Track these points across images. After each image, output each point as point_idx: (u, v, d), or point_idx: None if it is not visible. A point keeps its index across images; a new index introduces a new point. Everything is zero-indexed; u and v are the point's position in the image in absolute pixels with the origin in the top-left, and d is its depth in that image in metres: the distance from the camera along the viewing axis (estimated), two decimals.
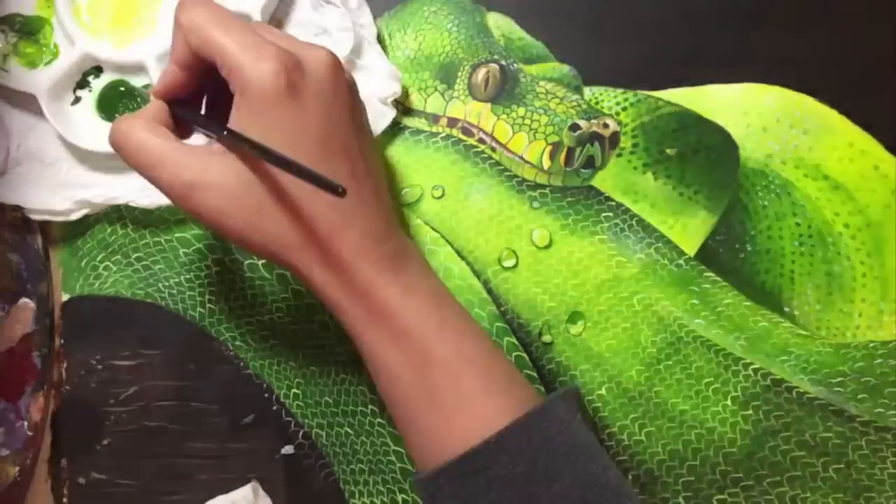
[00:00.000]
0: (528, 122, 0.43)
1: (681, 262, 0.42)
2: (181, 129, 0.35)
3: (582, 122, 0.42)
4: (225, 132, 0.31)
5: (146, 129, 0.32)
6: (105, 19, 0.42)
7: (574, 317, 0.42)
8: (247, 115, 0.31)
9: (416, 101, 0.43)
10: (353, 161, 0.33)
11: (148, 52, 0.41)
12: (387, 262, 0.33)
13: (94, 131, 0.41)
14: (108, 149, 0.34)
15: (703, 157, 0.42)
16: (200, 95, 0.36)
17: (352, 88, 0.34)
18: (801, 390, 0.40)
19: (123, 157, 0.33)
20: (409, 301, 0.33)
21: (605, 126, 0.42)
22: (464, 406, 0.33)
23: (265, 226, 0.32)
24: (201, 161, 0.31)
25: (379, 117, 0.41)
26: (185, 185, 0.31)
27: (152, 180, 0.32)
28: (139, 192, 0.41)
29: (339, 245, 0.32)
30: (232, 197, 0.31)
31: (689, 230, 0.42)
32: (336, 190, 0.28)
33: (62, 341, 0.43)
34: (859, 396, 0.40)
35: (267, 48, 0.31)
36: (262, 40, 0.31)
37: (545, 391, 0.41)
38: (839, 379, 0.41)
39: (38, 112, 0.41)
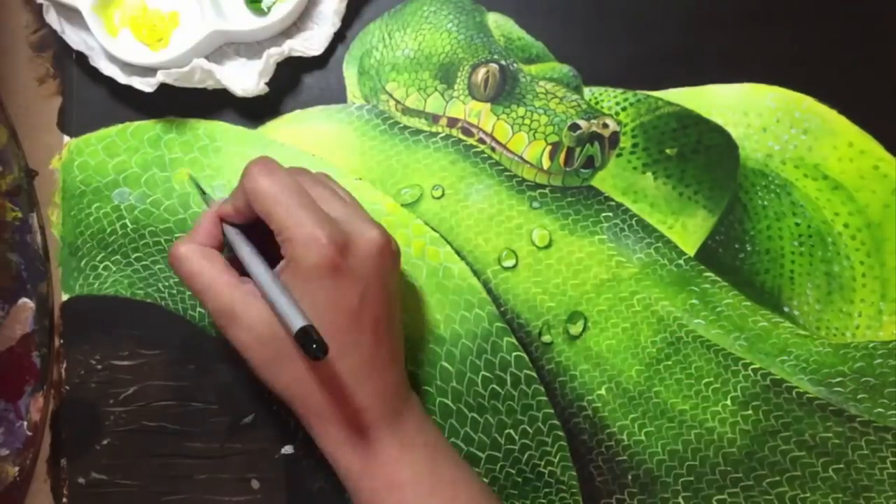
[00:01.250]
0: (527, 121, 0.43)
1: (680, 262, 0.42)
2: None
3: (582, 122, 0.42)
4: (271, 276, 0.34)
5: (200, 255, 0.36)
6: None
7: (574, 317, 0.42)
8: (291, 279, 0.34)
9: (416, 101, 0.43)
10: (377, 330, 0.35)
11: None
12: (388, 419, 0.35)
13: None
14: None
15: (702, 157, 0.42)
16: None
17: (395, 268, 0.37)
18: (801, 390, 0.40)
19: (179, 277, 0.36)
20: (406, 456, 0.35)
21: (605, 126, 0.42)
22: None
23: (280, 373, 0.35)
24: (243, 298, 0.35)
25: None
26: (225, 317, 0.35)
27: (202, 303, 0.36)
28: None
29: (346, 402, 0.35)
30: (258, 340, 0.34)
31: (689, 230, 0.42)
32: (315, 355, 0.31)
33: (62, 341, 0.43)
34: (859, 396, 0.40)
35: (318, 227, 0.34)
36: (317, 219, 0.34)
37: (545, 391, 0.41)
38: (839, 379, 0.41)
39: None
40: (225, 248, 0.37)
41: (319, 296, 0.34)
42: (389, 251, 0.36)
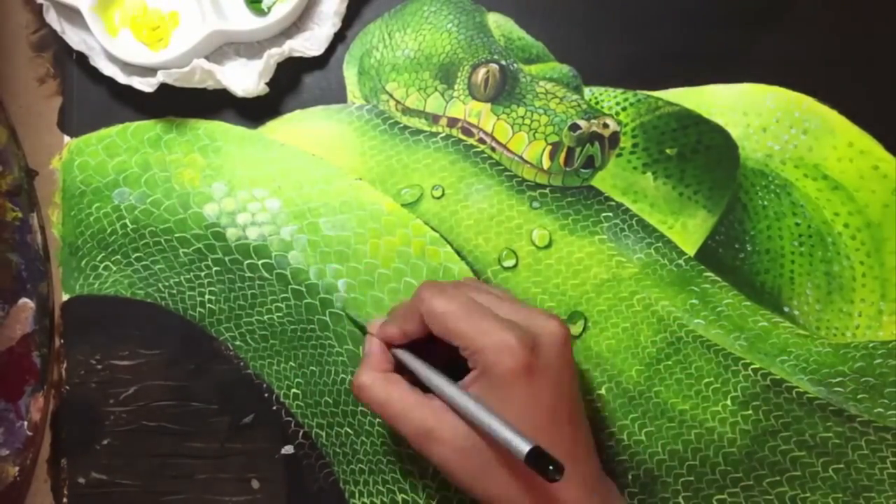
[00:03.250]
0: (527, 121, 0.43)
1: (680, 261, 0.42)
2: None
3: (582, 122, 0.42)
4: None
5: (385, 381, 0.36)
6: None
7: (574, 317, 0.42)
8: (484, 390, 0.34)
9: (416, 101, 0.43)
10: (574, 424, 0.35)
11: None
12: None
13: None
14: None
15: (702, 157, 0.42)
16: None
17: (573, 356, 0.37)
18: (801, 390, 0.40)
19: (367, 406, 0.37)
20: None
21: (605, 126, 0.42)
22: None
23: (488, 484, 0.35)
24: (435, 415, 0.35)
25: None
26: (423, 436, 0.35)
27: (396, 427, 0.36)
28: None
29: (556, 502, 0.35)
30: (461, 453, 0.34)
31: (689, 230, 0.42)
32: (552, 477, 0.31)
33: (62, 341, 0.43)
34: (859, 396, 0.40)
35: (506, 332, 0.34)
36: (502, 325, 0.34)
37: None
38: (839, 379, 0.41)
39: None
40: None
41: (517, 399, 0.34)
42: (570, 339, 0.36)
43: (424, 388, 0.36)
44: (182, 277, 0.43)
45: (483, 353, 0.34)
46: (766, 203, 0.42)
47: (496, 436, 0.33)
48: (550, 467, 0.31)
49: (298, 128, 0.44)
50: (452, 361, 0.36)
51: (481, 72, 0.43)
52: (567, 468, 0.33)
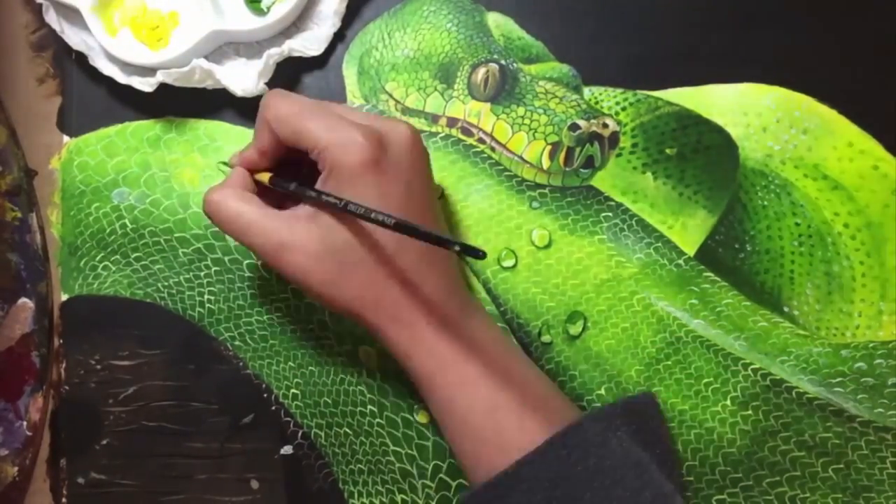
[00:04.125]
0: (527, 121, 0.42)
1: (680, 262, 0.42)
2: (267, 197, 0.37)
3: (581, 122, 0.42)
4: (373, 213, 0.33)
5: (236, 197, 0.36)
6: None
7: (573, 317, 0.42)
8: (334, 188, 0.34)
9: (415, 100, 0.43)
10: (427, 221, 0.36)
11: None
12: (455, 315, 0.36)
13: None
14: None
15: (702, 157, 0.42)
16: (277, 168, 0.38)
17: (427, 160, 0.37)
18: (801, 390, 0.40)
19: (217, 225, 0.36)
20: (477, 351, 0.36)
21: (605, 126, 0.42)
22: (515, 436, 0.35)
23: (343, 285, 0.35)
24: (288, 225, 0.35)
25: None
26: (275, 247, 0.35)
27: (245, 244, 0.36)
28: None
29: (411, 303, 0.35)
30: (315, 258, 0.34)
31: (689, 230, 0.42)
32: (478, 254, 0.30)
33: (61, 341, 0.43)
34: (859, 396, 0.40)
35: (351, 128, 0.34)
36: (346, 122, 0.34)
37: None
38: (839, 379, 0.40)
39: None
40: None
41: (367, 194, 0.34)
42: (420, 142, 0.36)
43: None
44: (182, 277, 0.43)
45: (329, 149, 0.34)
46: (766, 203, 0.42)
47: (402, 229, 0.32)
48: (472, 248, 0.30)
49: None
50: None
51: (481, 71, 0.43)
52: (422, 267, 0.33)
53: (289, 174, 0.37)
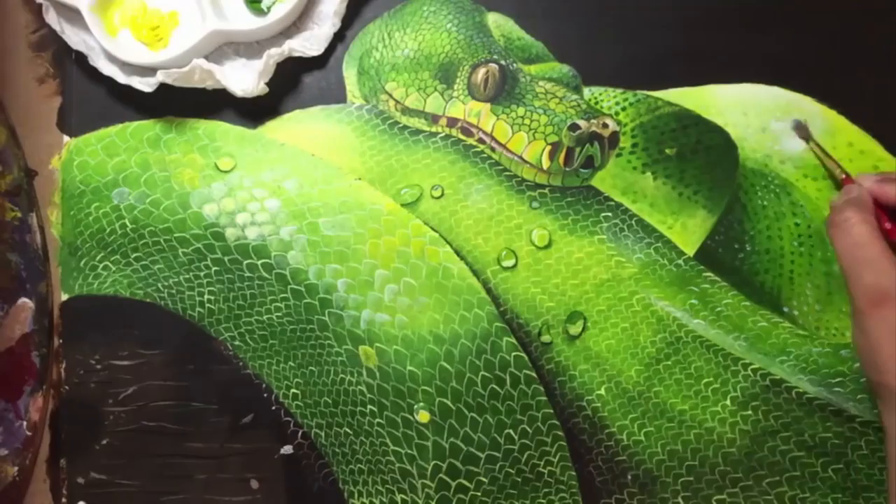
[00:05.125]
0: (527, 121, 0.42)
1: (680, 262, 0.42)
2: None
3: (581, 122, 0.42)
4: None
5: (872, 226, 0.34)
6: None
7: (573, 317, 0.42)
8: None
9: (415, 101, 0.43)
10: None
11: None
12: None
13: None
14: None
15: (702, 157, 0.42)
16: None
17: None
18: (801, 390, 0.40)
19: (836, 241, 0.34)
20: None
21: (605, 126, 0.42)
22: None
23: None
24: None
25: None
26: (879, 293, 0.32)
27: (853, 273, 0.33)
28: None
29: None
30: None
31: (689, 230, 0.42)
32: None
33: (61, 341, 0.43)
34: (859, 396, 0.40)
35: None
36: None
37: (544, 391, 0.41)
38: (839, 379, 0.40)
39: None
40: None
41: None
42: None
43: None
44: (181, 277, 0.43)
45: None
46: (765, 203, 0.42)
47: None
48: None
49: (298, 128, 0.44)
50: None
51: (481, 72, 0.43)
52: None
53: None
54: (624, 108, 0.43)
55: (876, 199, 0.36)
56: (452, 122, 0.43)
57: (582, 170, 0.42)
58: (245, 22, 0.43)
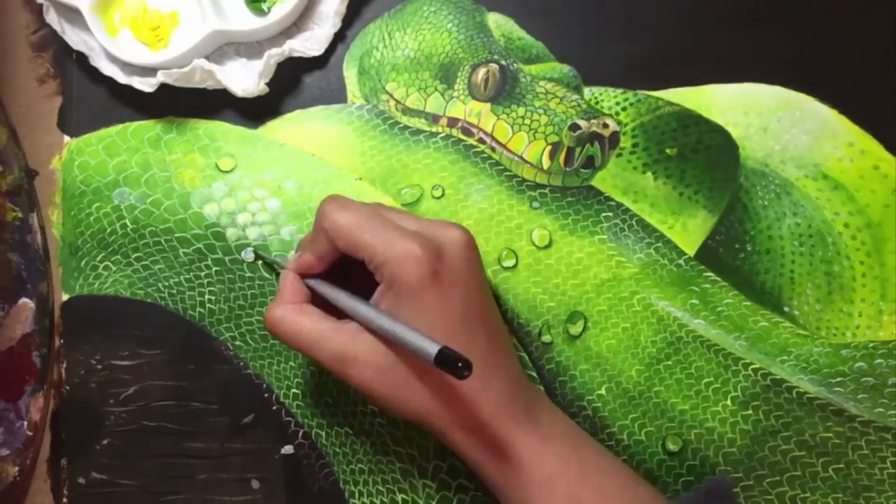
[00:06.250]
0: (527, 121, 0.43)
1: (680, 261, 0.42)
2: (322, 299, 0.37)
3: (582, 122, 0.42)
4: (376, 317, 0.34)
5: (296, 312, 0.36)
6: None
7: (574, 317, 0.42)
8: (393, 302, 0.34)
9: (416, 101, 0.43)
10: (487, 328, 0.35)
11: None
12: (522, 415, 0.35)
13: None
14: None
15: (702, 157, 0.42)
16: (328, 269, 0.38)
17: (480, 261, 0.37)
18: (801, 390, 0.40)
19: (281, 340, 0.36)
20: (549, 448, 0.35)
21: (605, 126, 0.42)
22: None
23: (409, 397, 0.34)
24: (351, 338, 0.35)
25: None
26: (339, 362, 0.35)
27: (311, 357, 0.36)
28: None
29: (479, 407, 0.34)
30: (380, 371, 0.34)
31: (689, 230, 0.42)
32: (461, 374, 0.30)
33: (62, 341, 0.43)
34: (859, 396, 0.40)
35: (408, 241, 0.34)
36: (402, 234, 0.34)
37: (545, 391, 0.41)
38: (839, 379, 0.41)
39: None
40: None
41: (427, 307, 0.34)
42: (475, 245, 0.36)
43: (341, 316, 0.36)
44: (182, 277, 0.43)
45: (388, 264, 0.34)
46: (766, 203, 0.42)
47: (406, 344, 0.32)
48: (459, 364, 0.30)
49: (298, 128, 0.44)
50: (371, 286, 0.35)
51: (481, 72, 0.43)
52: (486, 371, 0.33)
53: (341, 269, 0.37)
54: (624, 108, 0.43)
55: (303, 272, 0.37)
56: (453, 122, 0.43)
57: (582, 170, 0.42)
58: (246, 22, 0.43)
